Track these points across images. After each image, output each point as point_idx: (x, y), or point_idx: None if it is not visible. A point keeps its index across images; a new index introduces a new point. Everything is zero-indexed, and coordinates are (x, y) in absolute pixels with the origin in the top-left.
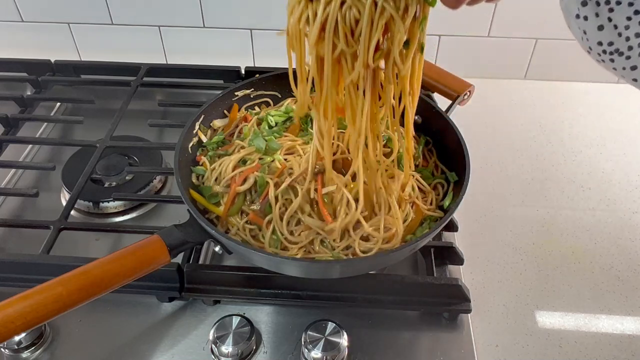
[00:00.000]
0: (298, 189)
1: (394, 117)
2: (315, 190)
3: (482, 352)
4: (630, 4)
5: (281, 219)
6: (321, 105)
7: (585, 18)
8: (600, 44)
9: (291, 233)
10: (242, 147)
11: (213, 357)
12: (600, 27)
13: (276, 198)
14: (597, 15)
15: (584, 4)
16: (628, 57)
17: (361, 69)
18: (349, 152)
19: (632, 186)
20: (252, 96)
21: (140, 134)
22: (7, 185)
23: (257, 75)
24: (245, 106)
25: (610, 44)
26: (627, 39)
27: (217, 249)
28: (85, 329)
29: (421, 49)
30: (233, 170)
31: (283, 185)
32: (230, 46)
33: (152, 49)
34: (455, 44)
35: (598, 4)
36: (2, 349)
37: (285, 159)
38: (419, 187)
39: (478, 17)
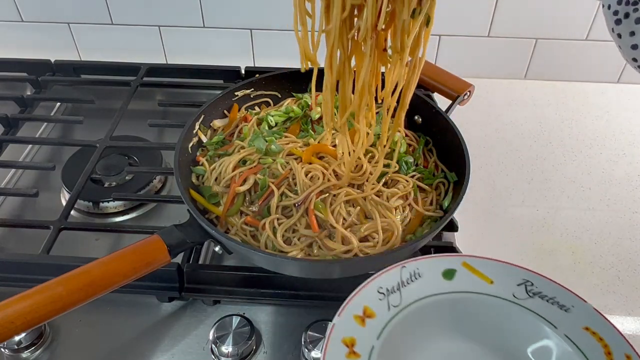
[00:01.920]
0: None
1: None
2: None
3: None
4: None
5: (274, 234)
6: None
7: (619, 36)
8: (635, 60)
9: (287, 241)
10: (242, 148)
11: (213, 357)
12: (635, 47)
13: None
14: (632, 34)
15: (618, 22)
16: None
17: (368, 29)
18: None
19: (632, 186)
20: (252, 96)
21: (140, 134)
22: (7, 185)
23: (257, 75)
24: (245, 106)
25: None
26: None
27: (217, 249)
28: (85, 329)
29: (427, 22)
30: (233, 171)
31: (285, 202)
32: (230, 46)
33: (152, 49)
34: (455, 44)
35: (637, 21)
36: (2, 349)
37: (287, 162)
38: (419, 187)
39: (478, 17)
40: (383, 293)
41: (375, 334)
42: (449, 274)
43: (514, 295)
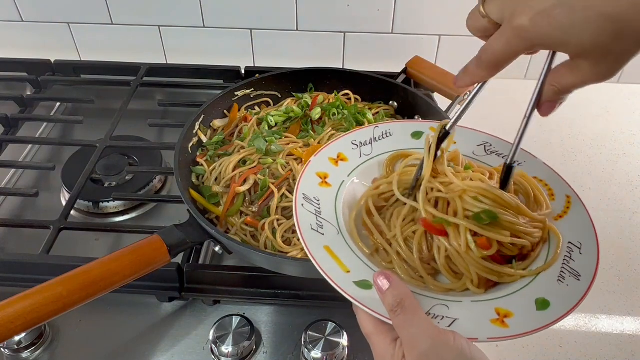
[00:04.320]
0: None
1: None
2: None
3: None
4: None
5: (274, 235)
6: None
7: None
8: None
9: (287, 241)
10: (242, 148)
11: (213, 357)
12: None
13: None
14: None
15: None
16: None
17: None
18: None
19: (632, 186)
20: (252, 96)
21: (140, 134)
22: (7, 185)
23: (257, 75)
24: (245, 106)
25: None
26: None
27: (217, 249)
28: (85, 329)
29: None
30: (233, 171)
31: (285, 204)
32: (230, 46)
33: (152, 49)
34: (455, 44)
35: None
36: (2, 349)
37: (287, 163)
38: None
39: None
40: (356, 145)
41: (346, 172)
42: (417, 135)
43: (473, 153)
